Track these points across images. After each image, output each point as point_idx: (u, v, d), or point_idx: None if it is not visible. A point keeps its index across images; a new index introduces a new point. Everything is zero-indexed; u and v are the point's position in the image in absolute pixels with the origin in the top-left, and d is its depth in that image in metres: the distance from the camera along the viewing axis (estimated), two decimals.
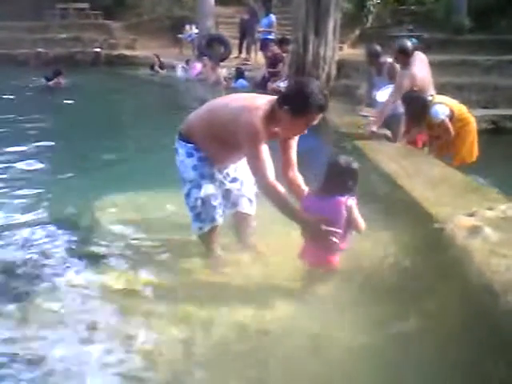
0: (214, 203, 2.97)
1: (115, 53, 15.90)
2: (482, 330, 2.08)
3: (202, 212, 2.97)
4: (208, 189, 2.96)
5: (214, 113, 2.90)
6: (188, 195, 3.00)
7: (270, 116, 2.64)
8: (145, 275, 3.00)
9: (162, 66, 13.57)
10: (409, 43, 5.36)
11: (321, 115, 2.64)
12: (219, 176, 3.06)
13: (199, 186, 2.95)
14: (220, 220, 3.02)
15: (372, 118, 6.45)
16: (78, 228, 3.67)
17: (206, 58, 11.85)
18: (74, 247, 3.38)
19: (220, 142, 2.85)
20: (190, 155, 2.96)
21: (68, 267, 3.09)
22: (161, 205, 3.97)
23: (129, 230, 3.60)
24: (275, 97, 2.74)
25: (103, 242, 3.41)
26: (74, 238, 3.52)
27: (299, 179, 2.94)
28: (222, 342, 2.35)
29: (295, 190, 2.90)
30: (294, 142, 2.93)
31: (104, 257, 3.21)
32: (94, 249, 3.33)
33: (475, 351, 2.04)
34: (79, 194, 4.30)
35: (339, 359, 2.25)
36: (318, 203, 2.65)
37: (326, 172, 2.68)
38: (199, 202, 2.96)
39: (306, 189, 2.89)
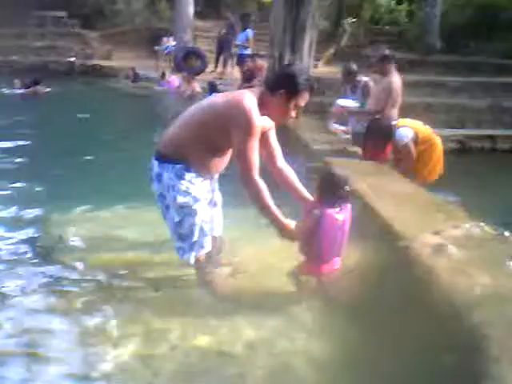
0: (207, 229, 2.83)
1: (90, 63, 15.73)
2: (444, 349, 2.14)
3: (197, 240, 2.79)
4: (203, 214, 2.78)
5: (200, 116, 2.72)
6: (180, 223, 2.74)
7: (259, 104, 2.62)
8: (107, 293, 2.92)
9: (136, 79, 13.54)
10: (388, 52, 5.50)
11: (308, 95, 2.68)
12: (210, 195, 2.92)
13: (194, 213, 2.73)
14: (210, 245, 2.88)
15: (342, 136, 6.61)
16: (39, 242, 3.59)
17: (186, 73, 11.89)
18: (33, 262, 3.30)
19: (212, 149, 2.72)
20: (180, 178, 2.70)
21: (26, 283, 2.99)
22: (127, 221, 3.94)
23: (89, 245, 3.53)
24: (257, 88, 2.74)
25: (64, 258, 3.32)
26: (35, 254, 3.42)
27: (287, 170, 2.90)
28: (185, 362, 2.34)
29: (284, 181, 2.87)
30: (273, 132, 2.86)
31: (63, 274, 3.14)
32: (54, 264, 3.25)
33: (437, 370, 2.10)
34: (44, 206, 4.22)
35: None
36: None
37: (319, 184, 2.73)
38: (195, 230, 2.76)
39: (295, 179, 2.87)
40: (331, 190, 2.66)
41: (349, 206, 2.74)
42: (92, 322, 2.63)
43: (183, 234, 2.77)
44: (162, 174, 2.74)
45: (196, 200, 2.73)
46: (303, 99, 2.67)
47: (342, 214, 2.69)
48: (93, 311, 2.73)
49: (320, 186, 2.72)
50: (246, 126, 2.54)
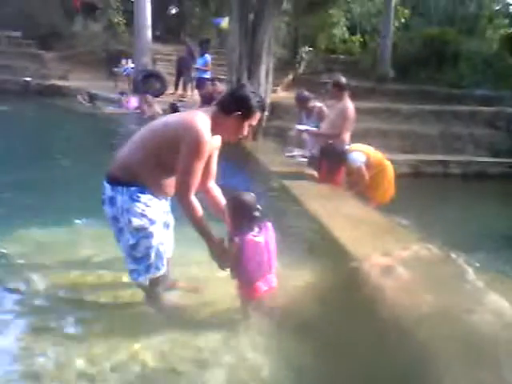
0: (162, 250, 2.79)
1: (47, 83, 15.51)
2: (390, 365, 2.18)
3: (153, 262, 2.75)
4: (159, 236, 2.75)
5: (152, 138, 2.69)
6: (135, 246, 2.69)
7: (212, 124, 2.64)
8: (51, 314, 2.85)
9: (92, 100, 13.45)
10: (343, 78, 5.65)
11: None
12: (165, 216, 2.88)
13: (150, 235, 2.69)
14: (165, 267, 2.84)
15: (299, 159, 6.74)
16: None
17: (148, 95, 11.86)
18: None
19: (165, 170, 2.68)
20: (135, 200, 2.65)
21: None
22: (75, 238, 3.88)
23: (34, 264, 3.43)
24: (209, 109, 2.76)
25: (7, 278, 3.22)
26: None
27: (216, 190, 2.95)
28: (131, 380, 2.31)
29: (211, 199, 2.92)
30: (216, 153, 2.90)
31: (5, 295, 3.05)
32: None
33: None
34: None
35: None
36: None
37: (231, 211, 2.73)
38: (152, 252, 2.73)
39: (222, 199, 2.90)
40: (243, 214, 2.67)
41: (268, 224, 2.75)
42: (34, 342, 2.55)
43: (138, 256, 2.73)
44: (115, 197, 2.69)
45: (152, 222, 2.70)
46: (255, 119, 2.74)
47: (262, 236, 2.69)
48: (35, 332, 2.65)
49: (231, 214, 2.72)
50: (195, 147, 2.55)
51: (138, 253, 2.72)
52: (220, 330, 2.70)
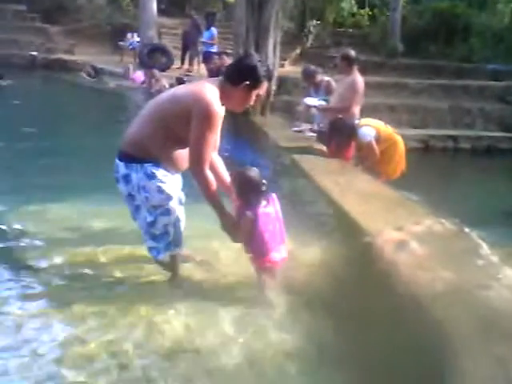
0: (182, 227, 2.79)
1: (53, 57, 15.38)
2: (407, 341, 2.18)
3: (172, 240, 2.75)
4: (177, 211, 2.73)
5: (161, 111, 2.65)
6: (154, 223, 2.69)
7: (220, 95, 2.61)
8: (70, 291, 2.85)
9: (96, 74, 13.35)
10: (352, 52, 5.56)
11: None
12: (180, 192, 2.86)
13: (168, 212, 2.68)
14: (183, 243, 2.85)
15: (308, 133, 6.68)
16: (5, 237, 3.49)
17: (154, 69, 11.69)
18: None
19: (177, 143, 2.64)
20: (151, 177, 2.62)
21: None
22: (92, 216, 3.87)
23: (51, 241, 3.43)
24: (216, 79, 2.72)
25: (26, 255, 3.23)
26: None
27: (219, 163, 2.92)
28: (152, 358, 2.32)
29: (215, 175, 2.86)
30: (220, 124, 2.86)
31: (25, 272, 3.04)
32: (15, 262, 3.15)
33: (400, 362, 2.13)
34: (3, 201, 4.08)
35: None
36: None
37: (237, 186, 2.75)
38: (171, 229, 2.73)
39: (225, 174, 2.90)
40: (250, 190, 2.69)
41: (273, 195, 2.78)
42: (57, 319, 2.57)
43: (157, 234, 2.72)
44: (129, 174, 2.65)
45: (169, 198, 2.67)
46: (263, 89, 2.71)
47: (271, 207, 2.73)
48: (57, 309, 2.65)
49: (238, 190, 2.73)
50: (207, 119, 2.52)
51: (157, 230, 2.71)
52: (238, 305, 2.71)
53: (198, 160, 2.57)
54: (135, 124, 2.72)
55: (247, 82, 2.61)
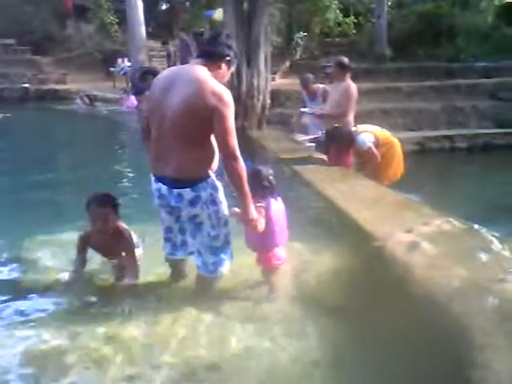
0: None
1: (45, 87, 15.50)
2: (427, 341, 2.18)
3: (231, 249, 2.78)
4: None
5: (183, 125, 2.55)
6: (217, 236, 2.71)
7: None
8: (90, 311, 2.81)
9: (92, 102, 13.44)
10: (345, 59, 5.63)
11: None
12: None
13: (227, 221, 2.73)
14: None
15: (308, 144, 6.72)
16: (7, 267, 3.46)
17: (147, 93, 11.73)
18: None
19: (208, 145, 2.62)
20: (217, 189, 2.67)
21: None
22: None
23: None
24: (196, 65, 2.66)
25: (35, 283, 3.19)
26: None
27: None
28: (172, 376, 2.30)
29: None
30: None
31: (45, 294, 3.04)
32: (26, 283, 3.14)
33: (419, 362, 2.13)
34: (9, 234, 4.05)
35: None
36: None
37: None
38: (230, 238, 2.78)
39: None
40: (261, 183, 2.78)
41: (279, 198, 2.87)
42: (76, 339, 2.52)
43: (218, 246, 2.73)
44: (198, 195, 2.63)
45: (226, 206, 2.72)
46: (235, 65, 2.79)
47: (280, 204, 2.85)
48: (77, 328, 2.59)
49: (251, 183, 2.71)
50: (228, 107, 2.53)
51: (218, 242, 2.72)
52: (247, 303, 2.74)
53: (234, 148, 2.52)
54: (168, 147, 2.62)
55: (228, 58, 2.70)
